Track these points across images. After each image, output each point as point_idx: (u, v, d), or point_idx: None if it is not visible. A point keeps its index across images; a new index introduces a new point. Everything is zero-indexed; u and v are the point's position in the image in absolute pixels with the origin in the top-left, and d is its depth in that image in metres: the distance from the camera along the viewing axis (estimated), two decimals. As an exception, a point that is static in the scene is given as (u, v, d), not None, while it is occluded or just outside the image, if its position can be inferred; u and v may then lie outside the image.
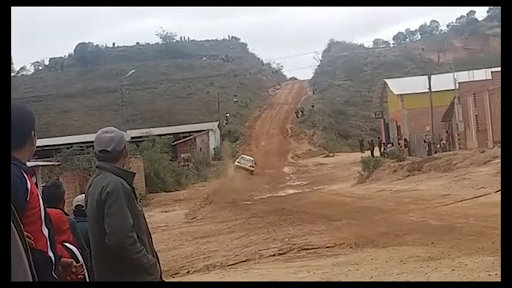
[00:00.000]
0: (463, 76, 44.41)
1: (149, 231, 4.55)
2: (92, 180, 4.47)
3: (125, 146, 4.52)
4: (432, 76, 46.66)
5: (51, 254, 3.54)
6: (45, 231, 3.51)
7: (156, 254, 4.51)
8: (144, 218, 4.57)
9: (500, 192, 18.35)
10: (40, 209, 3.48)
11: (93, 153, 4.79)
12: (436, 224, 14.72)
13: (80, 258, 5.38)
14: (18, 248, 1.95)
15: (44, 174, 25.52)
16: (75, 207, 6.78)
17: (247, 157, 53.62)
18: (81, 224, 5.75)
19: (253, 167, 50.59)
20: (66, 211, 6.14)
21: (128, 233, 4.20)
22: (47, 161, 31.17)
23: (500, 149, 29.07)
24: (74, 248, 5.48)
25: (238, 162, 51.11)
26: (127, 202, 4.27)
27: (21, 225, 2.03)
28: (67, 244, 5.41)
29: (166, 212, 29.83)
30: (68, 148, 36.39)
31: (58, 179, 22.91)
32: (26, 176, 3.39)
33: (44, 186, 6.10)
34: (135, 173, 4.77)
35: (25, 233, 3.20)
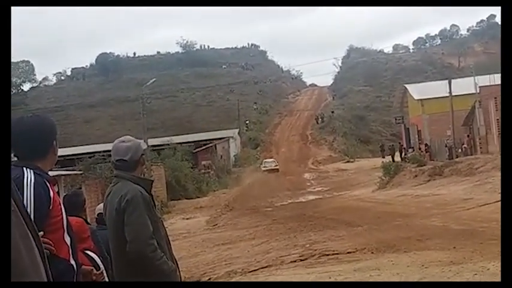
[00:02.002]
0: (484, 80, 43.99)
1: (168, 238, 4.61)
2: (111, 189, 4.53)
3: (142, 155, 4.58)
4: (453, 80, 46.26)
5: (73, 262, 3.59)
6: (68, 240, 3.57)
7: (176, 261, 4.56)
8: (163, 225, 4.62)
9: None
10: (62, 218, 3.54)
11: (110, 162, 4.85)
12: (457, 228, 14.63)
13: (101, 265, 5.45)
14: (34, 255, 2.00)
15: (66, 183, 25.75)
16: (97, 215, 6.87)
17: (269, 160, 60.24)
18: (103, 232, 5.81)
19: (277, 165, 57.12)
20: (88, 219, 6.22)
21: (149, 240, 4.25)
22: (70, 170, 31.44)
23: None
24: (95, 255, 5.54)
25: (264, 166, 57.17)
26: (146, 210, 4.32)
27: (37, 232, 2.08)
28: (88, 252, 5.48)
29: (187, 219, 29.90)
30: (90, 157, 36.60)
31: (80, 188, 23.12)
32: (48, 185, 3.46)
33: (65, 195, 6.19)
34: (153, 181, 4.83)
35: (45, 239, 3.27)
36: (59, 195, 3.65)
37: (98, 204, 7.78)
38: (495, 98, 39.01)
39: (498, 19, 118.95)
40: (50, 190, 3.44)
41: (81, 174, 29.73)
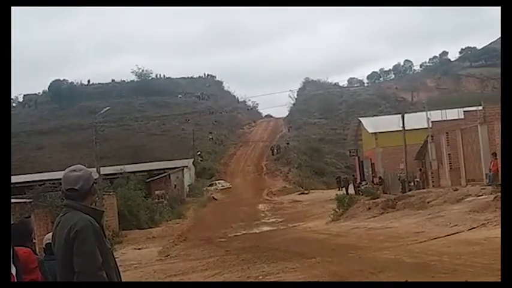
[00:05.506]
0: (436, 115, 44.87)
1: (118, 269, 4.52)
2: (60, 219, 4.43)
3: (93, 184, 4.50)
4: (406, 115, 47.06)
5: (18, 293, 3.48)
6: (13, 270, 3.47)
7: (126, 293, 4.46)
8: (113, 255, 4.53)
9: (474, 228, 18.53)
10: (8, 248, 3.43)
11: (60, 191, 4.76)
12: (409, 261, 14.70)
13: (48, 297, 5.28)
14: None
15: (15, 211, 25.17)
16: (46, 245, 6.69)
17: (222, 181, 68.16)
18: (51, 263, 5.64)
19: (230, 185, 65.86)
20: (36, 249, 6.04)
21: (98, 271, 4.17)
22: (19, 198, 30.80)
23: (473, 187, 29.39)
24: (42, 287, 5.37)
25: (222, 186, 64.92)
26: (96, 240, 4.24)
27: None
28: (35, 283, 5.31)
29: (139, 249, 29.54)
30: (40, 185, 36.05)
31: (29, 217, 22.57)
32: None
33: (13, 224, 6.01)
34: (103, 211, 4.75)
35: None
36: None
37: (47, 233, 7.58)
38: (447, 133, 39.82)
39: (450, 56, 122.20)
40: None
41: (30, 202, 29.14)
